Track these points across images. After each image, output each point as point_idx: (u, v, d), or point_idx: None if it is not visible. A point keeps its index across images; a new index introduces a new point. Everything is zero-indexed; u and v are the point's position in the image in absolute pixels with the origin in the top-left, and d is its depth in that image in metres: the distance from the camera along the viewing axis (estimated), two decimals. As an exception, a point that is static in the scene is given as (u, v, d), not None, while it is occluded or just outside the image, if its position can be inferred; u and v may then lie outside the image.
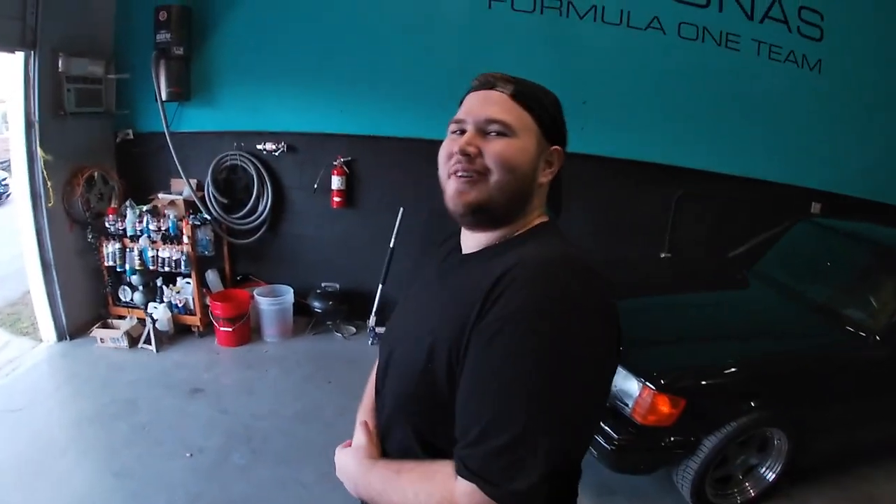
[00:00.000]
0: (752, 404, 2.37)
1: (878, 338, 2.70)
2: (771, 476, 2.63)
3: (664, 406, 2.26)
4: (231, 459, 2.67)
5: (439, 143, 0.90)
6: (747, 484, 2.64)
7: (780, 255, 3.55)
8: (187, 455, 2.67)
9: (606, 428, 2.37)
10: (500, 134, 0.84)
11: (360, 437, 0.95)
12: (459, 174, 0.84)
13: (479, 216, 0.86)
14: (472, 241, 0.92)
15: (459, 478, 0.73)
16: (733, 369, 2.40)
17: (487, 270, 0.79)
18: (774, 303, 3.08)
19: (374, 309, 3.77)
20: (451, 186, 0.86)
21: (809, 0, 3.85)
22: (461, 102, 0.92)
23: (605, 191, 4.03)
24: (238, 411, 3.05)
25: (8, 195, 8.86)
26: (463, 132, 0.87)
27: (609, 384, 0.85)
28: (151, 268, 3.66)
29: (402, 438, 0.90)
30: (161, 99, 3.64)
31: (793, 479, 2.82)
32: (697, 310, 3.02)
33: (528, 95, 0.87)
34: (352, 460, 0.92)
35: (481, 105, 0.86)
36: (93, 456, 2.66)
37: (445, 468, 0.77)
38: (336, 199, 3.76)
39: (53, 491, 2.39)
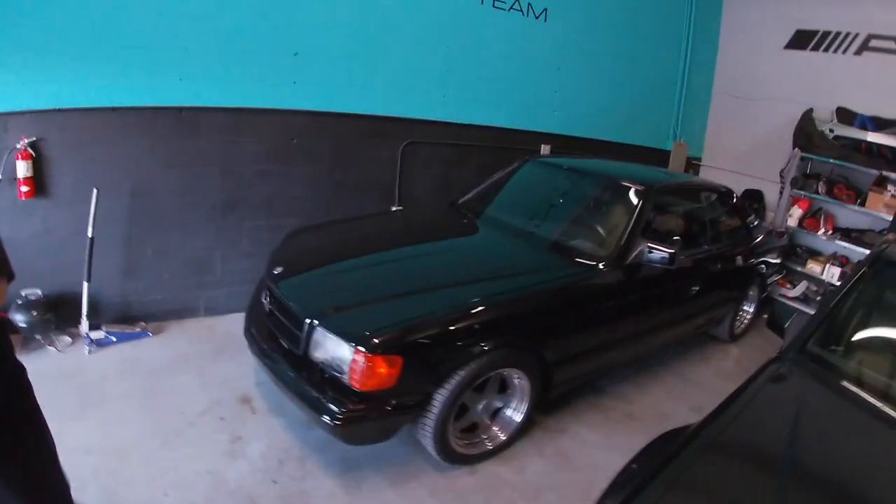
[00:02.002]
0: (482, 348, 2.29)
1: (604, 265, 2.81)
2: (518, 416, 2.62)
3: (381, 367, 2.07)
4: None
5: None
6: (496, 428, 2.61)
7: (508, 197, 3.61)
8: None
9: (330, 404, 2.12)
10: None
11: None
12: None
13: None
14: None
15: None
16: (454, 316, 2.27)
17: None
18: (502, 245, 3.08)
19: (85, 312, 3.08)
20: None
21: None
22: None
23: (327, 148, 3.78)
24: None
25: None
26: None
27: None
28: None
29: None
30: None
31: (549, 410, 2.88)
32: (420, 261, 2.87)
33: None
34: None
35: None
36: None
37: None
38: (24, 188, 2.99)
39: None
